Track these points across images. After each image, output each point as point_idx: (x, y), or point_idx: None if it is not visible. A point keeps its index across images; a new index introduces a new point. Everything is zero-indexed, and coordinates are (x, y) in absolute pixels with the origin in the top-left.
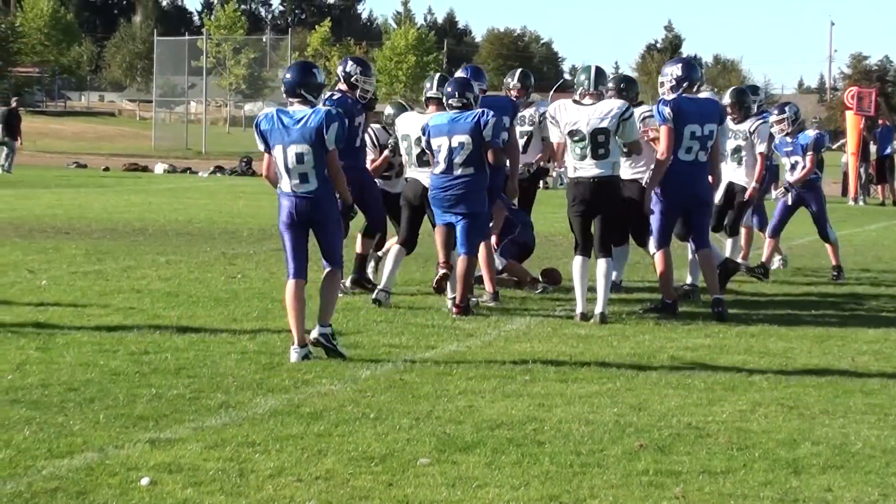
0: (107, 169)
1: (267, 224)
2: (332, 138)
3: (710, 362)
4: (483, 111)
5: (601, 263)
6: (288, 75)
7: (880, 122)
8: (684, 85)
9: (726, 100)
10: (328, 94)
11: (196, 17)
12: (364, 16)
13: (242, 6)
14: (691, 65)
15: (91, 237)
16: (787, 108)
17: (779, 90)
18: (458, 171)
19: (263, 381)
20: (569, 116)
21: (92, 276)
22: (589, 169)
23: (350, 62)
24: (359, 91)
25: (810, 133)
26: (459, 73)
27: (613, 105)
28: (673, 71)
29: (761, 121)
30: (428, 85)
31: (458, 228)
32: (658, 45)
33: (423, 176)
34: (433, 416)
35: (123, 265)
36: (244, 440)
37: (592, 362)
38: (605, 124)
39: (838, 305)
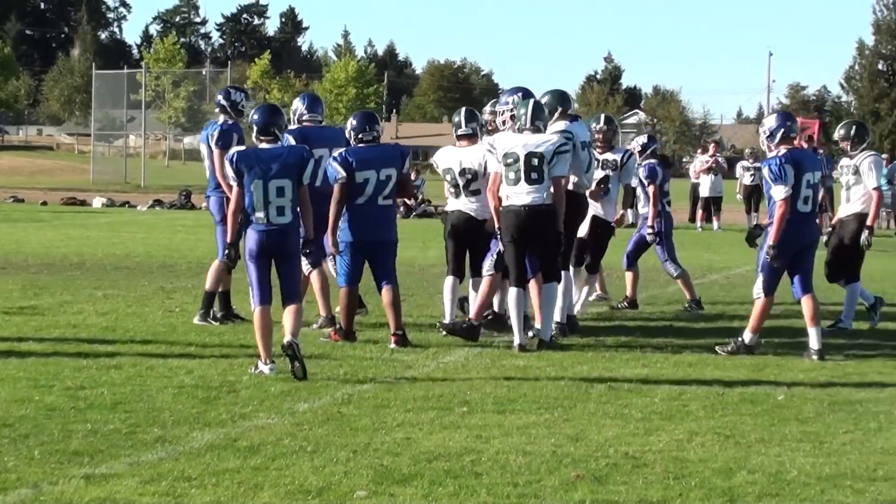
0: (45, 203)
1: (205, 257)
2: (307, 174)
3: (648, 392)
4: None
5: (546, 288)
6: (258, 116)
7: (820, 152)
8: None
9: (600, 126)
10: (217, 123)
11: (135, 51)
12: (304, 48)
13: (182, 39)
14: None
15: (28, 272)
16: (636, 140)
17: (718, 120)
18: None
19: (200, 416)
20: (506, 143)
21: (28, 311)
22: (521, 196)
23: (232, 90)
24: (245, 119)
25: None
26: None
27: (553, 136)
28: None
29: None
30: (456, 119)
31: (386, 260)
32: (598, 76)
33: (466, 206)
34: (370, 448)
35: (60, 300)
36: (180, 475)
37: (530, 393)
38: (540, 150)
39: (774, 334)
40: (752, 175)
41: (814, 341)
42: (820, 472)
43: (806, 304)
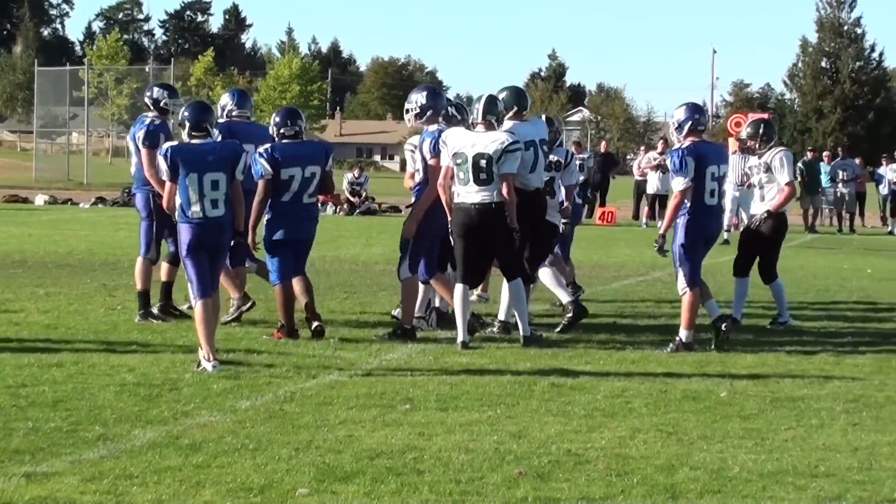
0: None
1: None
2: (240, 169)
3: (591, 389)
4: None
5: (511, 286)
6: (189, 113)
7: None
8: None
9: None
10: (144, 121)
11: (78, 48)
12: (248, 45)
13: (125, 36)
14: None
15: None
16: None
17: (662, 118)
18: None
19: (142, 413)
20: (457, 141)
21: None
22: (471, 195)
23: (156, 88)
24: (171, 116)
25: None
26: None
27: (502, 135)
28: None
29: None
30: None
31: (304, 257)
32: (542, 74)
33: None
34: (313, 446)
35: (1, 298)
36: (122, 473)
37: (473, 391)
38: (488, 151)
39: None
40: None
41: (683, 333)
42: (762, 469)
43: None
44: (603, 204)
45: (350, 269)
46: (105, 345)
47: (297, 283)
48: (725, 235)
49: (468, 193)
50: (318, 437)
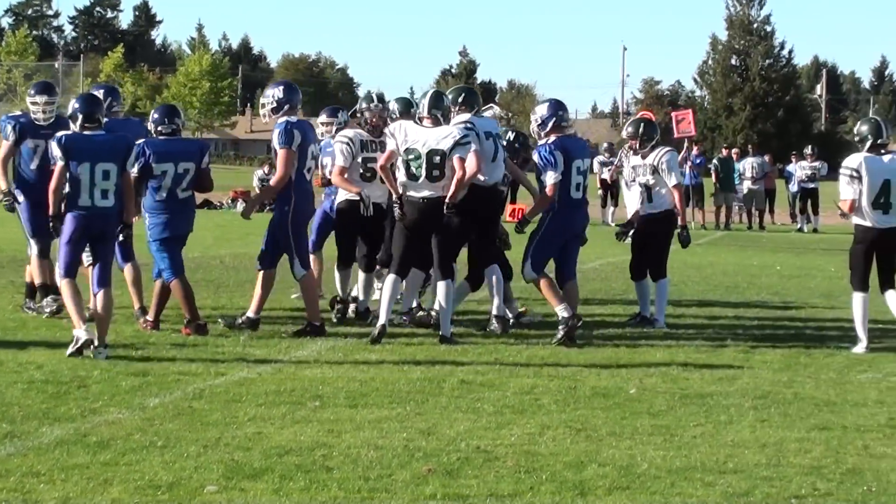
0: None
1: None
2: (132, 161)
3: (500, 386)
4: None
5: (441, 286)
6: (81, 105)
7: (696, 149)
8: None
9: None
10: (12, 116)
11: None
12: (158, 42)
13: (34, 32)
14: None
15: None
16: (339, 114)
17: (573, 115)
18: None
19: (50, 411)
20: (407, 135)
21: None
22: (422, 190)
23: (33, 88)
24: (40, 114)
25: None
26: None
27: (454, 132)
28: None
29: None
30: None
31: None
32: (453, 71)
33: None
34: (222, 443)
35: None
36: (29, 470)
37: (382, 387)
38: (441, 147)
39: (627, 328)
40: (608, 169)
41: (562, 312)
42: (670, 465)
43: (569, 290)
44: (513, 201)
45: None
46: (13, 341)
47: (174, 286)
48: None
49: (419, 188)
50: (226, 434)
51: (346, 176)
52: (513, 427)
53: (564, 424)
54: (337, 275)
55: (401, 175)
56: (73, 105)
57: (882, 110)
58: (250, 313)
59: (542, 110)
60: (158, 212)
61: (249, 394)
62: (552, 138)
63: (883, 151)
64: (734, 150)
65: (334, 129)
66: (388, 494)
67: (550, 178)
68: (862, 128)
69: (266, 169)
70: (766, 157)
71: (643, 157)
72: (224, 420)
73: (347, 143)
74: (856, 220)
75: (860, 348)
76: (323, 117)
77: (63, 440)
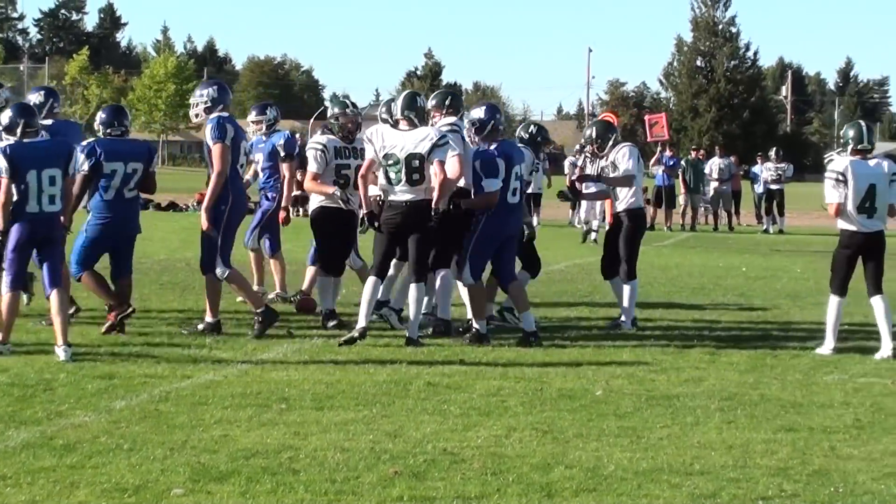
0: None
1: None
2: (73, 165)
3: (467, 388)
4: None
5: (413, 288)
6: (16, 113)
7: (669, 151)
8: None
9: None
10: None
11: None
12: (123, 44)
13: None
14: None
15: None
16: (268, 110)
17: (538, 116)
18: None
19: (16, 414)
20: (385, 140)
21: None
22: (403, 194)
23: None
24: None
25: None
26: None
27: (431, 133)
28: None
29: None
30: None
31: (128, 253)
32: (418, 73)
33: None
34: (188, 445)
35: None
36: None
37: (349, 390)
38: (419, 150)
39: (593, 329)
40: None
41: (477, 324)
42: (637, 467)
43: (512, 292)
44: None
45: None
46: None
47: (125, 284)
48: (594, 236)
49: (400, 192)
50: (193, 436)
51: (319, 181)
52: (479, 429)
53: (531, 426)
54: (319, 282)
55: (381, 179)
56: (8, 115)
57: (847, 111)
58: (209, 318)
59: (478, 113)
60: (103, 212)
61: (216, 396)
62: (494, 145)
63: (868, 156)
64: (700, 152)
65: (264, 126)
66: (354, 497)
67: (493, 185)
68: (848, 132)
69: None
70: (732, 159)
71: (606, 158)
72: (190, 423)
73: (322, 151)
74: (842, 224)
75: (826, 350)
76: (253, 115)
77: (29, 443)
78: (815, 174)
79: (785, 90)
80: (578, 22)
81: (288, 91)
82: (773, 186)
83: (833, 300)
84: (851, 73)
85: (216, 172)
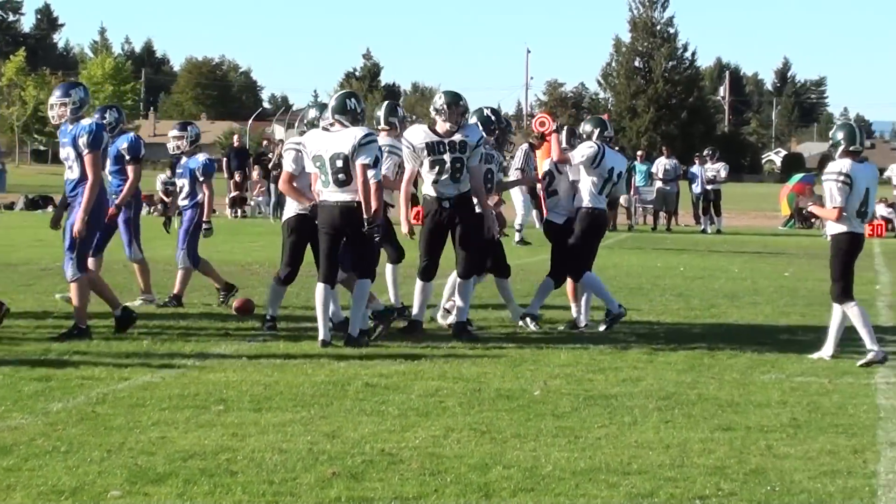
0: None
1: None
2: None
3: (405, 388)
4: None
5: (359, 284)
6: None
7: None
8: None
9: None
10: None
11: None
12: (60, 45)
13: None
14: None
15: None
16: (189, 128)
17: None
18: None
19: None
20: (313, 145)
21: None
22: (334, 195)
23: None
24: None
25: (200, 157)
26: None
27: (356, 132)
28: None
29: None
30: (379, 114)
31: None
32: (357, 73)
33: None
34: (125, 447)
35: None
36: None
37: (287, 391)
38: (343, 150)
39: (532, 330)
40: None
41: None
42: (575, 467)
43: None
44: (416, 203)
45: (164, 270)
46: None
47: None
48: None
49: (330, 193)
50: (130, 438)
51: (294, 185)
52: (417, 430)
53: (469, 427)
54: (271, 289)
55: (317, 183)
56: None
57: (785, 112)
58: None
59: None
60: None
61: (153, 398)
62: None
63: (859, 158)
64: (639, 153)
65: (186, 143)
66: (292, 498)
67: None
68: (837, 133)
69: (169, 173)
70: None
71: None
72: (127, 425)
73: (299, 151)
74: (841, 228)
75: (874, 356)
76: (174, 131)
77: None
78: (752, 174)
79: (723, 90)
80: (517, 22)
81: (226, 92)
82: (710, 187)
83: (852, 308)
84: (789, 74)
85: (92, 181)
